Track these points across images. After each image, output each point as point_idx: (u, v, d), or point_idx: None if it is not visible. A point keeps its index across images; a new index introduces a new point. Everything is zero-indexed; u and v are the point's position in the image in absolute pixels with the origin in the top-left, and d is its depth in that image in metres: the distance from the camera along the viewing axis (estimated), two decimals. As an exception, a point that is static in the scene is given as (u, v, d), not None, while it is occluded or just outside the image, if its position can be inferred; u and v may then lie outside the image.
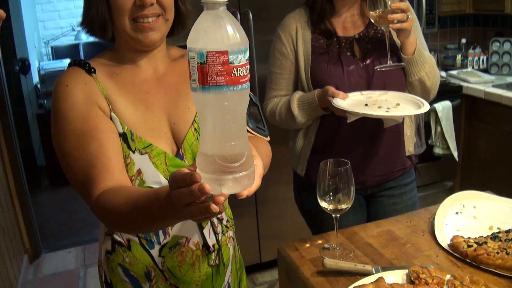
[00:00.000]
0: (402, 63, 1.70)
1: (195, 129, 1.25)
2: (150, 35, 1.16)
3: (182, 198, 0.76)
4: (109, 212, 1.03)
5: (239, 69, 0.74)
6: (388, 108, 1.57)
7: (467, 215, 1.51)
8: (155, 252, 1.25)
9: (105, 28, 1.18)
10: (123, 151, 1.17)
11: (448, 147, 3.49)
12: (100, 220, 1.12)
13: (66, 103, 1.14)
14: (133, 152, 1.18)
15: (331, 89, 1.62)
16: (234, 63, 0.74)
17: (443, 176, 3.72)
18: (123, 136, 1.17)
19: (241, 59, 0.74)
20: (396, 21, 1.57)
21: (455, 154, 3.50)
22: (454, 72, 3.81)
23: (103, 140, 1.13)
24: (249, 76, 0.77)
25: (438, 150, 3.51)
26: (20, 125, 4.78)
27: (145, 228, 1.09)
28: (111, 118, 1.17)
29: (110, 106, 1.18)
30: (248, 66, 0.76)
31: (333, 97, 1.60)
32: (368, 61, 1.74)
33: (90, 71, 1.18)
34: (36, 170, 5.36)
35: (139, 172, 1.18)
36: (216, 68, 0.73)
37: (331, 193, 1.31)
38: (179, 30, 1.27)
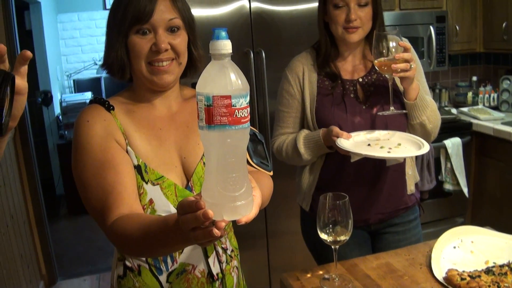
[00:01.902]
0: (404, 110, 1.76)
1: (204, 163, 1.35)
2: (164, 78, 1.28)
3: (188, 223, 0.86)
4: (122, 237, 1.12)
5: (241, 111, 0.85)
6: (390, 148, 1.63)
7: (464, 249, 1.56)
8: (163, 278, 1.33)
9: (123, 71, 1.29)
10: (137, 181, 1.26)
11: (458, 183, 3.52)
12: (114, 244, 1.22)
13: (86, 136, 1.25)
14: (146, 183, 1.27)
15: (335, 129, 1.69)
16: (236, 106, 0.84)
17: (454, 212, 3.75)
18: (138, 168, 1.27)
19: (242, 102, 0.85)
20: (399, 70, 1.64)
21: (465, 190, 3.53)
22: (465, 109, 3.87)
23: (119, 171, 1.23)
24: (249, 116, 0.87)
25: (448, 186, 3.55)
26: (41, 154, 4.94)
27: (155, 252, 1.17)
28: (127, 151, 1.27)
29: (127, 140, 1.28)
30: (248, 109, 0.87)
31: (337, 137, 1.67)
32: (370, 104, 1.82)
33: (109, 108, 1.29)
34: (55, 199, 5.50)
35: (151, 201, 1.28)
36: (220, 110, 0.84)
37: (330, 225, 1.38)
38: (191, 72, 1.39)
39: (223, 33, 0.86)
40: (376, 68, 1.72)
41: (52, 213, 4.71)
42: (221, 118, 0.84)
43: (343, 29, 1.76)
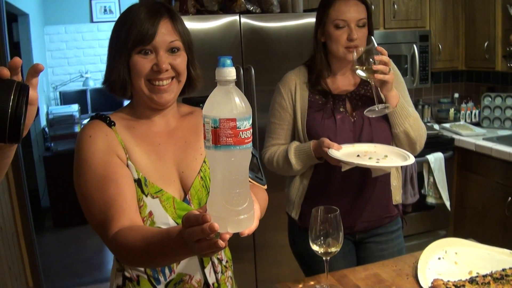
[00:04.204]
0: (387, 104, 1.83)
1: (201, 177, 1.41)
2: (164, 96, 1.34)
3: (194, 235, 0.92)
4: (124, 248, 1.17)
5: (244, 132, 0.92)
6: (378, 160, 1.74)
7: (448, 260, 1.63)
8: (161, 288, 1.38)
9: (125, 89, 1.35)
10: (137, 195, 1.32)
11: (440, 197, 3.62)
12: (115, 255, 1.26)
13: (88, 151, 1.30)
14: (146, 196, 1.32)
15: (327, 140, 1.78)
16: (240, 128, 0.91)
17: (436, 225, 3.83)
18: (138, 182, 1.32)
19: (246, 124, 0.92)
20: (380, 72, 1.74)
21: (447, 203, 3.63)
22: (447, 125, 3.97)
23: (120, 184, 1.28)
24: (251, 137, 0.95)
25: (430, 200, 3.64)
26: (26, 166, 4.90)
27: (156, 263, 1.23)
28: (127, 166, 1.33)
29: (127, 155, 1.33)
30: (251, 130, 0.94)
31: (329, 148, 1.77)
32: (358, 117, 1.92)
33: (111, 124, 1.35)
34: (41, 211, 5.45)
35: (150, 213, 1.33)
36: (226, 131, 0.91)
37: (322, 238, 1.45)
38: (190, 91, 1.45)
39: (228, 61, 0.93)
40: (358, 74, 1.81)
41: (37, 225, 4.68)
42: (227, 139, 0.91)
43: (344, 48, 1.85)
